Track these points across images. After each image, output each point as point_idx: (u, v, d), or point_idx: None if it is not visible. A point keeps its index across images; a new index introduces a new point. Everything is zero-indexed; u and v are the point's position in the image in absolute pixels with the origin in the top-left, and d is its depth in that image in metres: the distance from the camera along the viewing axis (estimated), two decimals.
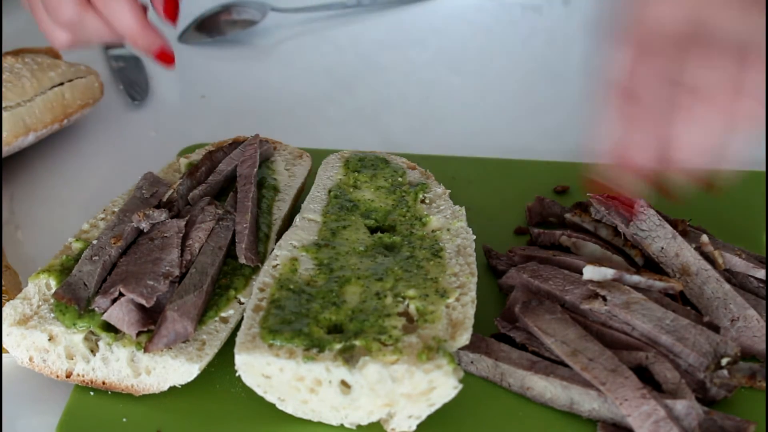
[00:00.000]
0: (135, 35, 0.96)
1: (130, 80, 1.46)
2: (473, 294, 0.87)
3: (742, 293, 0.92)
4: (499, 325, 0.93)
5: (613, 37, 0.79)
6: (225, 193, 1.04)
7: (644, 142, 0.80)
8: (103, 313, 0.87)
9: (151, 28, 0.97)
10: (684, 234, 0.97)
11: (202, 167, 1.06)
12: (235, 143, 1.12)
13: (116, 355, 0.87)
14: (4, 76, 1.18)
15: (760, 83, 0.77)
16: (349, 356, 0.80)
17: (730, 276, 0.95)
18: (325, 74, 1.51)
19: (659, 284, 0.91)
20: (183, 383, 0.87)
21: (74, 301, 0.88)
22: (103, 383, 0.88)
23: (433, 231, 0.96)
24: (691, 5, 0.77)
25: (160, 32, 0.98)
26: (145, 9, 0.99)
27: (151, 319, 0.87)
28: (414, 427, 0.83)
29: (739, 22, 0.77)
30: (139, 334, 0.86)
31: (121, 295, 0.87)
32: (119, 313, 0.86)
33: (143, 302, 0.86)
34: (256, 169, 1.03)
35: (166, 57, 0.99)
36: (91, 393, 0.89)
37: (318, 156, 1.13)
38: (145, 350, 0.86)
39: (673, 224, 0.98)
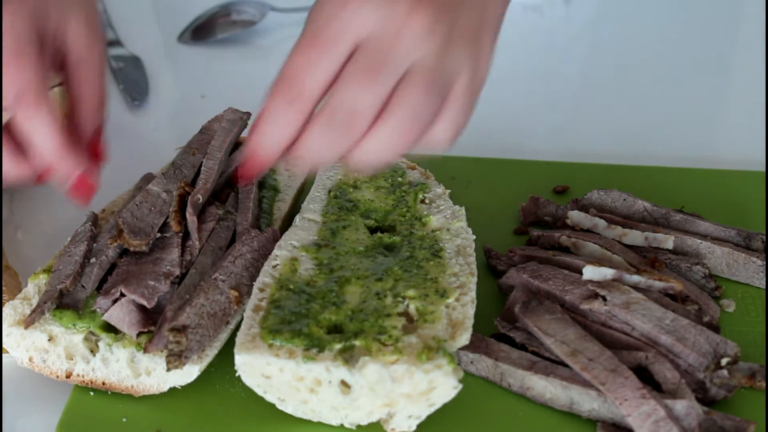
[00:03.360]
0: (55, 160, 0.84)
1: (130, 80, 1.46)
2: (473, 294, 0.87)
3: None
4: (499, 325, 0.93)
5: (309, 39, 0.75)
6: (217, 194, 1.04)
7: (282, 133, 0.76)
8: (104, 313, 0.87)
9: (74, 151, 0.85)
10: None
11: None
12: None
13: (116, 355, 0.87)
14: None
15: (448, 124, 0.77)
16: (349, 356, 0.80)
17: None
18: None
19: (659, 284, 0.91)
20: (183, 384, 0.87)
21: (70, 305, 0.88)
22: (103, 384, 0.88)
23: (433, 231, 0.96)
24: (377, 26, 0.73)
25: (81, 155, 0.86)
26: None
27: (151, 319, 0.87)
28: (414, 427, 0.83)
29: (409, 48, 0.74)
30: (139, 334, 0.86)
31: (122, 295, 0.87)
32: (120, 314, 0.86)
33: (144, 303, 0.86)
34: None
35: (85, 188, 0.86)
36: (91, 393, 0.89)
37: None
38: (145, 351, 0.86)
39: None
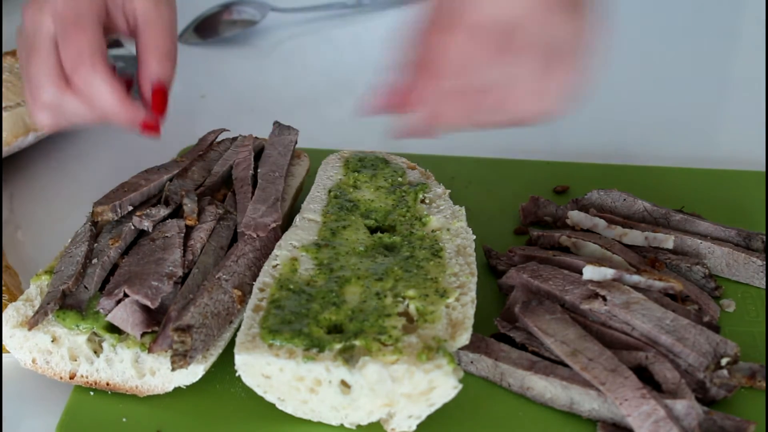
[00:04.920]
0: (117, 113, 0.94)
1: (130, 80, 1.46)
2: (473, 294, 0.87)
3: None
4: (499, 325, 0.93)
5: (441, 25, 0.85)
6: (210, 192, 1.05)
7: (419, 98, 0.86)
8: (107, 314, 0.87)
9: (132, 104, 0.96)
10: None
11: (193, 167, 1.06)
12: (226, 140, 1.13)
13: (120, 356, 0.88)
14: (4, 76, 1.18)
15: (558, 86, 0.85)
16: (349, 356, 0.80)
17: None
18: (325, 74, 1.51)
19: (659, 284, 0.91)
20: (188, 384, 0.87)
21: (73, 306, 0.88)
22: (107, 384, 0.88)
23: (432, 231, 0.96)
24: (514, 8, 0.82)
25: (140, 105, 0.98)
26: (128, 82, 0.99)
27: (154, 320, 0.87)
28: (414, 427, 0.83)
29: (555, 28, 0.83)
30: (143, 335, 0.86)
31: (125, 296, 0.87)
32: (123, 314, 0.86)
33: (148, 303, 0.86)
34: (251, 172, 1.04)
35: (151, 128, 0.98)
36: (91, 393, 0.89)
37: (318, 156, 1.13)
38: (150, 351, 0.86)
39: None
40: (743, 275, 1.00)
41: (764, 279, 0.98)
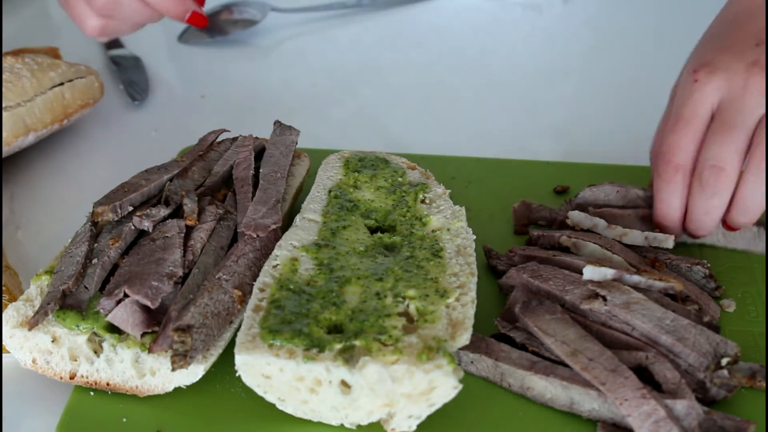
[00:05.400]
0: (169, 6, 1.07)
1: (130, 80, 1.46)
2: (473, 294, 0.87)
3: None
4: (499, 325, 0.93)
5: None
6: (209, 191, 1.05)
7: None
8: (107, 314, 0.87)
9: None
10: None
11: (193, 167, 1.06)
12: (227, 140, 1.13)
13: (120, 356, 0.88)
14: (4, 76, 1.18)
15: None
16: (349, 356, 0.80)
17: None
18: (325, 74, 1.52)
19: (659, 284, 0.91)
20: (188, 384, 0.87)
21: (74, 306, 0.88)
22: (107, 384, 0.88)
23: (433, 231, 0.96)
24: (723, 91, 0.90)
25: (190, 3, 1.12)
26: None
27: (155, 320, 0.87)
28: (414, 427, 0.83)
29: (754, 103, 0.89)
30: (143, 335, 0.86)
31: (125, 296, 0.87)
32: (123, 314, 0.86)
33: (148, 303, 0.86)
34: (251, 172, 1.04)
35: (199, 19, 1.12)
36: (91, 393, 0.89)
37: (318, 156, 1.13)
38: (150, 351, 0.86)
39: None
40: (740, 243, 1.00)
41: (763, 246, 1.00)
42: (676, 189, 0.93)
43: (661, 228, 0.97)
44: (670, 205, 0.94)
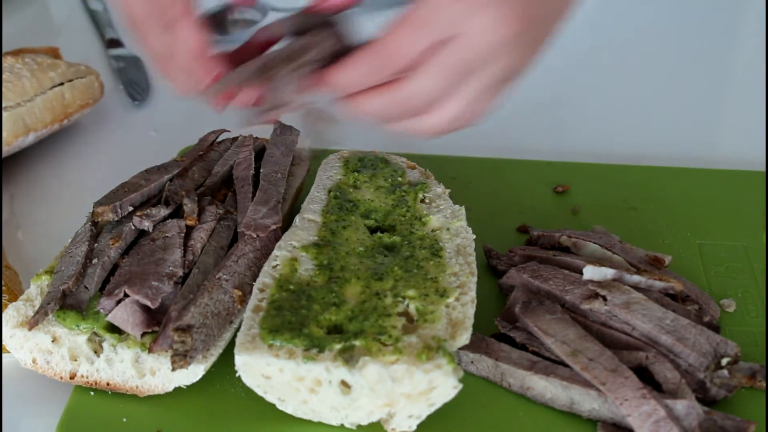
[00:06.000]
0: (192, 65, 0.88)
1: (130, 80, 1.46)
2: (473, 294, 0.87)
3: None
4: (499, 325, 0.93)
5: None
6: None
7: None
8: (107, 314, 0.87)
9: (210, 61, 0.89)
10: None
11: (193, 167, 1.06)
12: (227, 140, 1.13)
13: (120, 356, 0.88)
14: (4, 76, 1.18)
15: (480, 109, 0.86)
16: (349, 356, 0.80)
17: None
18: None
19: (659, 284, 0.91)
20: (188, 384, 0.87)
21: (74, 306, 0.88)
22: (108, 384, 0.88)
23: (432, 231, 0.96)
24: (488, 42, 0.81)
25: (216, 65, 0.89)
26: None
27: (155, 320, 0.87)
28: (414, 427, 0.83)
29: (511, 62, 0.82)
30: (143, 335, 0.86)
31: (125, 296, 0.87)
32: (124, 314, 0.86)
33: (148, 303, 0.86)
34: (252, 172, 1.04)
35: (215, 100, 0.90)
36: (92, 393, 0.89)
37: (317, 156, 1.13)
38: (150, 351, 0.86)
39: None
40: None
41: None
42: (371, 72, 0.83)
43: (322, 85, 0.85)
44: (354, 78, 0.83)
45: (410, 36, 0.81)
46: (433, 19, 0.80)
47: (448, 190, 1.02)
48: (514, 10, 0.79)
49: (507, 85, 0.85)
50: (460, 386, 0.78)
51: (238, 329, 0.86)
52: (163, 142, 1.30)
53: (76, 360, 0.89)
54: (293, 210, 1.05)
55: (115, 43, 1.55)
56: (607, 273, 0.91)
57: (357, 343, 0.81)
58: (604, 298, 0.89)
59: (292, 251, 0.92)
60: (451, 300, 0.86)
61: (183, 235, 0.93)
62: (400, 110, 0.84)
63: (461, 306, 0.85)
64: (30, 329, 0.87)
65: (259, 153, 1.10)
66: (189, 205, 0.96)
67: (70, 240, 0.95)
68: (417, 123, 0.85)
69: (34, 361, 0.90)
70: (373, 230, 0.97)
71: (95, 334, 0.88)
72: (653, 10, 1.71)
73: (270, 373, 0.81)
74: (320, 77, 0.85)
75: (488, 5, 0.79)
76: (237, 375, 0.82)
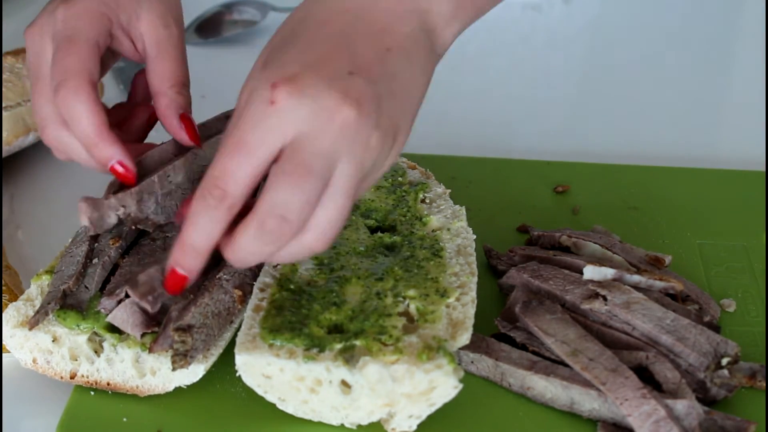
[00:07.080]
0: (90, 144, 0.82)
1: (131, 80, 1.45)
2: (473, 294, 0.87)
3: None
4: (500, 325, 0.93)
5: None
6: None
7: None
8: (108, 314, 0.87)
9: (110, 137, 0.83)
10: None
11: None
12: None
13: (121, 356, 0.88)
14: (4, 76, 1.18)
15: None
16: (349, 356, 0.80)
17: None
18: None
19: (659, 284, 0.91)
20: (188, 384, 0.87)
21: (75, 306, 0.88)
22: (108, 384, 0.88)
23: (433, 231, 0.96)
24: (304, 125, 0.71)
25: (119, 144, 0.84)
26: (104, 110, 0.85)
27: (155, 320, 0.87)
28: (414, 427, 0.83)
29: (337, 148, 0.72)
30: (143, 335, 0.86)
31: (126, 296, 0.87)
32: (124, 315, 0.86)
33: (148, 308, 0.86)
34: None
35: (123, 175, 0.84)
36: (92, 393, 0.89)
37: None
38: (150, 351, 0.86)
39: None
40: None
41: None
42: (219, 218, 0.73)
43: (177, 257, 0.77)
44: (205, 232, 0.74)
45: (236, 163, 0.72)
46: (256, 134, 0.71)
47: (449, 191, 1.02)
48: (348, 94, 0.71)
49: (374, 172, 0.76)
50: (461, 386, 0.78)
51: (238, 329, 0.86)
52: (163, 141, 1.30)
53: (76, 360, 0.89)
54: None
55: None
56: (607, 273, 0.91)
57: (357, 342, 0.81)
58: (605, 298, 0.89)
59: None
60: (451, 300, 0.86)
61: None
62: (276, 235, 0.72)
63: (462, 306, 0.85)
64: (30, 329, 0.87)
65: None
66: None
67: (70, 240, 0.95)
68: (302, 242, 0.74)
69: (34, 360, 0.90)
70: (373, 230, 0.97)
71: (96, 333, 0.88)
72: (653, 10, 1.71)
73: (270, 372, 0.81)
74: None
75: (314, 97, 0.70)
76: (237, 375, 0.82)
